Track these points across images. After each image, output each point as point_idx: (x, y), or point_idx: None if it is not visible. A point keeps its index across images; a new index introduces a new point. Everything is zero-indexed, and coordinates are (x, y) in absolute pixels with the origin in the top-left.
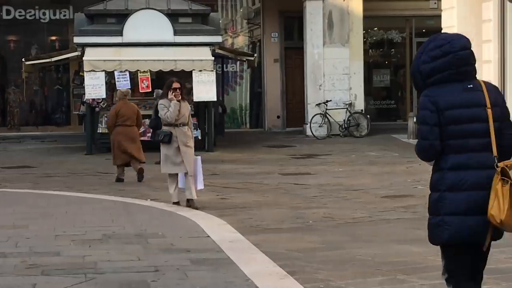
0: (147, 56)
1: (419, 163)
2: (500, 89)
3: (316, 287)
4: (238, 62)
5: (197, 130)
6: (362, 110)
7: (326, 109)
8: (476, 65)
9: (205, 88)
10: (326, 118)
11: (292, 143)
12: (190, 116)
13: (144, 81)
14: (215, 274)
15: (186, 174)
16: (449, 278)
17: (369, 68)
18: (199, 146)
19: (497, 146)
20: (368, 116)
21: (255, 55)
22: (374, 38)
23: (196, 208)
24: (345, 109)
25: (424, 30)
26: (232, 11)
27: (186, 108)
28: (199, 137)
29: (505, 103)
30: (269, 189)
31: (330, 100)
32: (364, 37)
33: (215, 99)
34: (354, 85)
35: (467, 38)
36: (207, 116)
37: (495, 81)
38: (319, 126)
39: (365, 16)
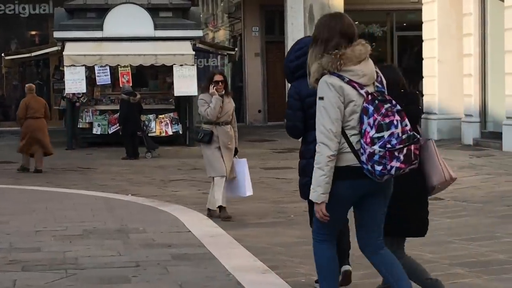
0: (128, 50)
1: None
2: (480, 81)
3: (298, 282)
4: (219, 57)
5: (178, 124)
6: None
7: None
8: (457, 58)
9: (186, 83)
10: None
11: (273, 137)
12: (234, 113)
13: (124, 75)
14: (196, 269)
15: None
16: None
17: None
18: (180, 141)
19: None
20: None
21: (236, 49)
22: None
23: (228, 217)
24: None
25: (405, 24)
26: (212, 5)
27: (230, 105)
28: (180, 132)
29: None
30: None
31: None
32: None
33: (196, 93)
34: None
35: None
36: (188, 111)
37: (475, 74)
38: None
39: (346, 10)
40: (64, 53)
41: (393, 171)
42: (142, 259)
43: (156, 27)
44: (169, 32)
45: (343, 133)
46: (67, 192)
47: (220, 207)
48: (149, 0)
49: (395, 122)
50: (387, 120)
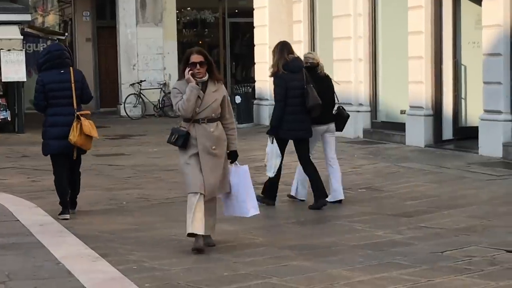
0: None
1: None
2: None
3: (129, 269)
4: (48, 41)
5: (6, 111)
6: None
7: (140, 89)
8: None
9: (14, 68)
10: (140, 98)
11: (106, 123)
12: (229, 106)
13: None
14: (24, 258)
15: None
16: (55, 176)
17: (183, 48)
18: (9, 128)
19: (76, 103)
20: None
21: (67, 34)
22: (188, 18)
23: (212, 245)
24: (160, 89)
25: (236, 11)
26: None
27: (217, 94)
28: (9, 118)
29: (84, 79)
30: (82, 171)
31: (144, 80)
32: (177, 17)
33: (24, 79)
34: (168, 65)
35: (59, 45)
36: (17, 97)
37: None
38: (134, 107)
39: None
40: None
41: None
42: None
43: None
44: None
45: None
46: None
47: (192, 234)
48: None
49: None
50: None
